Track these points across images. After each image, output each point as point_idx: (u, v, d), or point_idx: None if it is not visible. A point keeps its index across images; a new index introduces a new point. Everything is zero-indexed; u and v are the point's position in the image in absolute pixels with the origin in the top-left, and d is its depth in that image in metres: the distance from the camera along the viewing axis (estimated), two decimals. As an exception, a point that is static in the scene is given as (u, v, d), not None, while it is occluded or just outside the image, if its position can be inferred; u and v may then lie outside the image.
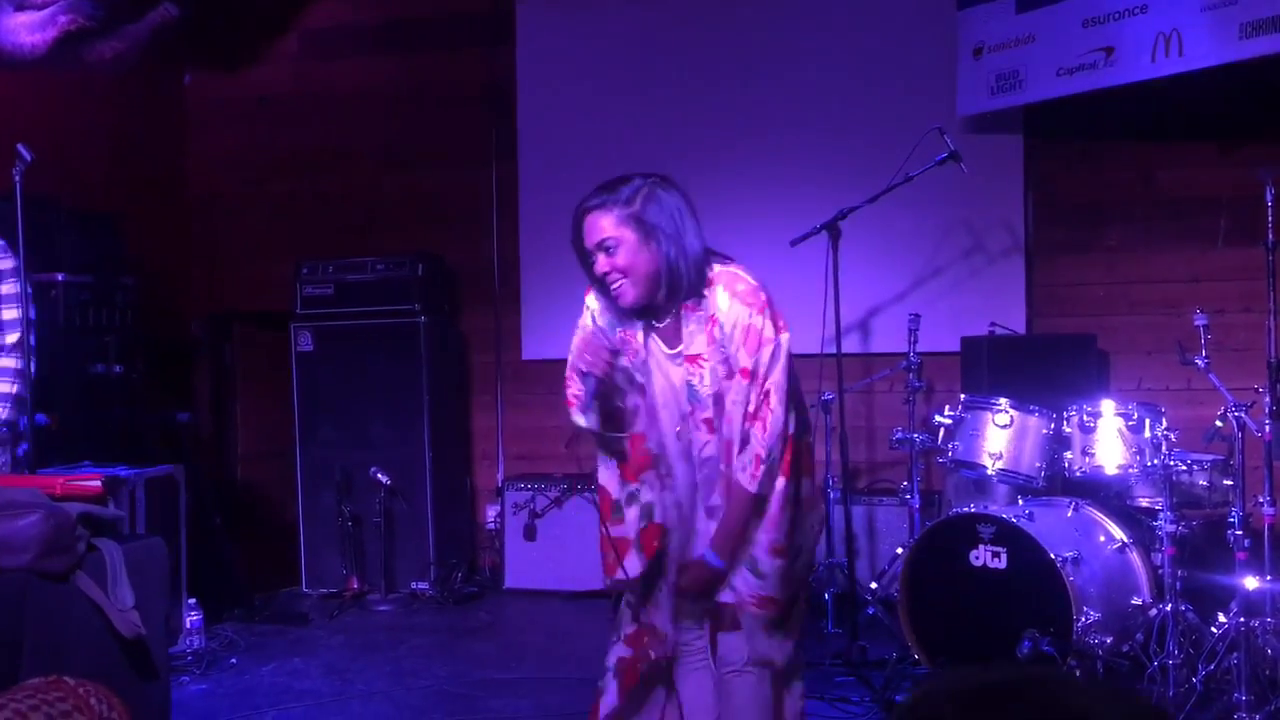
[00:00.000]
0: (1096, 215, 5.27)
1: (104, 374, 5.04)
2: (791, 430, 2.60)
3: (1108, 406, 3.94)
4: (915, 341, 4.56)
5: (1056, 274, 5.32)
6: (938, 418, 4.24)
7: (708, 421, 2.62)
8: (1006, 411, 4.09)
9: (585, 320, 2.72)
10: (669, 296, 2.57)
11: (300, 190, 6.20)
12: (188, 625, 4.54)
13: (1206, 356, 3.73)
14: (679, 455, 2.69)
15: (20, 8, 4.77)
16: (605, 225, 2.53)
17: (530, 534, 5.53)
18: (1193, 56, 4.22)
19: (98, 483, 2.46)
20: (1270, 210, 3.55)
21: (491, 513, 5.88)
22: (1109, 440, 3.92)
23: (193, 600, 4.59)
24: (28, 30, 4.75)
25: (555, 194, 5.93)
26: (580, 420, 2.67)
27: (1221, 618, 3.70)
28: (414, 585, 5.51)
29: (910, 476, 4.50)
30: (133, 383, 5.17)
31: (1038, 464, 4.07)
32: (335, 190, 6.17)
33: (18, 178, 2.96)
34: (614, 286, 2.55)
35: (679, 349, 2.62)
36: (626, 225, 2.53)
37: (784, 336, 2.57)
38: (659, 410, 2.68)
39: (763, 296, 2.56)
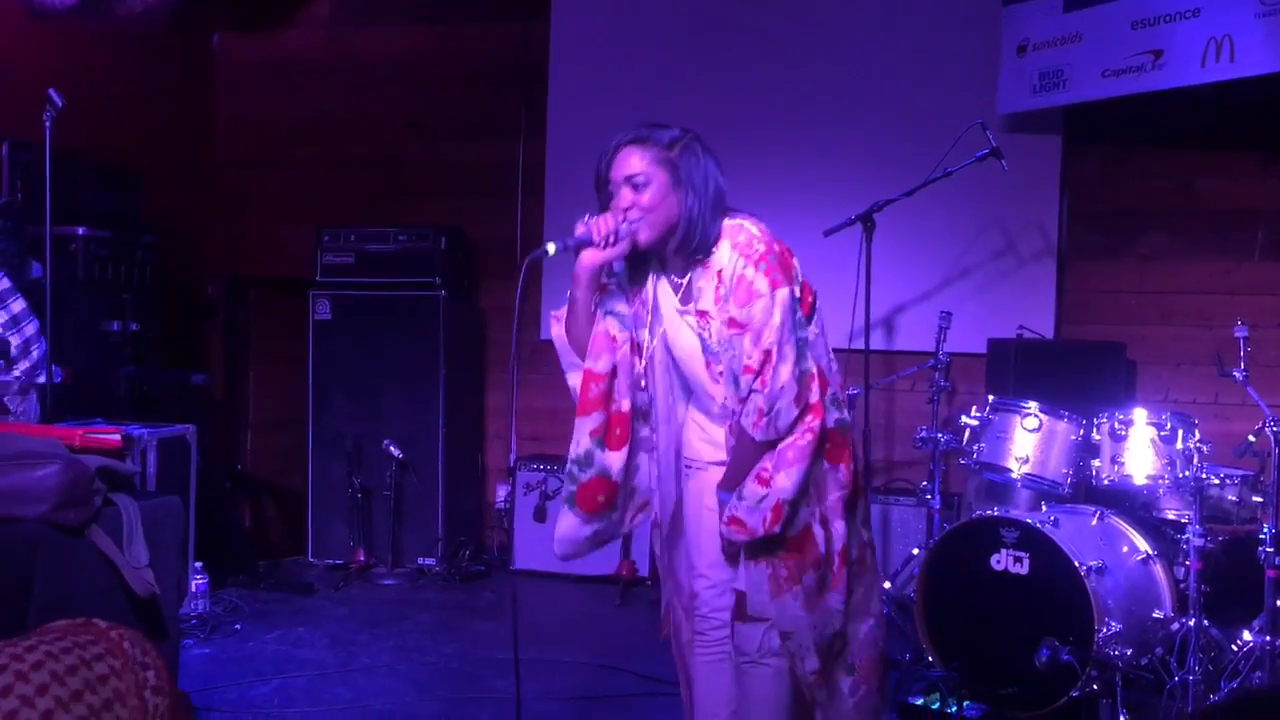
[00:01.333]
0: (1132, 222, 5.19)
1: (120, 331, 4.98)
2: (815, 397, 2.53)
3: (1140, 415, 3.86)
4: (944, 340, 4.49)
5: (1088, 280, 5.24)
6: (964, 418, 4.17)
7: (723, 375, 2.57)
8: (1036, 415, 4.02)
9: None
10: (678, 249, 2.54)
11: (325, 157, 6.13)
12: (193, 588, 4.50)
13: (1245, 369, 3.66)
14: (665, 416, 2.68)
15: (53, -43, 4.71)
16: (640, 161, 2.50)
17: (540, 515, 5.47)
18: (1244, 63, 4.13)
19: (117, 437, 2.40)
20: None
21: (502, 492, 5.82)
22: (1139, 449, 3.85)
23: (199, 564, 4.55)
24: (59, -19, 4.70)
25: (582, 173, 5.81)
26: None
27: (1246, 635, 3.65)
28: (421, 561, 5.46)
29: (932, 477, 4.43)
30: (148, 341, 5.12)
31: (1065, 470, 4.00)
32: (361, 158, 6.10)
33: (48, 123, 2.89)
34: (633, 223, 2.50)
35: (690, 304, 2.58)
36: (662, 167, 2.50)
37: (781, 292, 2.48)
38: (655, 366, 2.64)
39: (760, 248, 2.50)
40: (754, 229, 2.54)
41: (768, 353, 2.47)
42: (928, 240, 5.24)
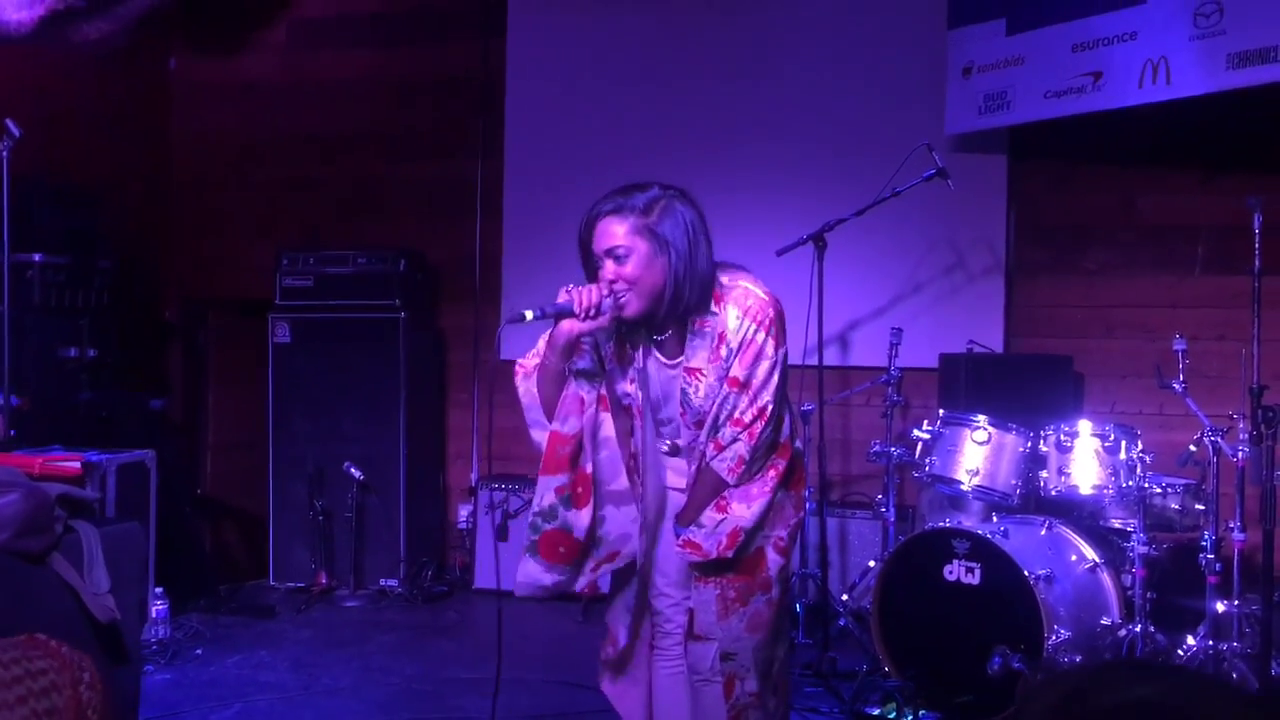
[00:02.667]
0: (1077, 238, 5.31)
1: (77, 357, 4.98)
2: (785, 437, 2.65)
3: (1084, 427, 3.97)
4: (896, 356, 4.58)
5: (1035, 295, 5.36)
6: (916, 432, 4.27)
7: (698, 423, 2.65)
8: (984, 429, 4.11)
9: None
10: (669, 312, 2.57)
11: (284, 177, 6.15)
12: (153, 614, 4.50)
13: (1184, 381, 3.77)
14: (653, 466, 2.73)
15: (8, -17, 4.71)
16: (619, 232, 2.50)
17: (503, 534, 5.50)
18: (1180, 85, 4.26)
19: (77, 464, 2.42)
20: (1257, 237, 3.59)
21: (464, 512, 5.84)
22: (1085, 460, 3.95)
23: (159, 589, 4.54)
24: (15, 7, 4.71)
25: (540, 191, 5.98)
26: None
27: (1190, 640, 3.75)
28: (383, 582, 5.47)
29: (886, 490, 4.51)
30: (106, 366, 5.12)
31: (1013, 481, 4.09)
32: (319, 180, 6.13)
33: (4, 154, 2.90)
34: (619, 297, 2.51)
35: (679, 360, 2.64)
36: (640, 235, 2.50)
37: (783, 352, 2.60)
38: (638, 419, 2.69)
39: (771, 313, 2.58)
40: (759, 292, 2.59)
41: (762, 410, 2.57)
42: (880, 258, 5.33)
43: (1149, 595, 3.73)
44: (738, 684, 2.68)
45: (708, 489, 2.63)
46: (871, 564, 4.56)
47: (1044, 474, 4.03)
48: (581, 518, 2.64)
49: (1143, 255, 5.20)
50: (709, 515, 2.62)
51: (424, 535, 5.69)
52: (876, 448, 4.48)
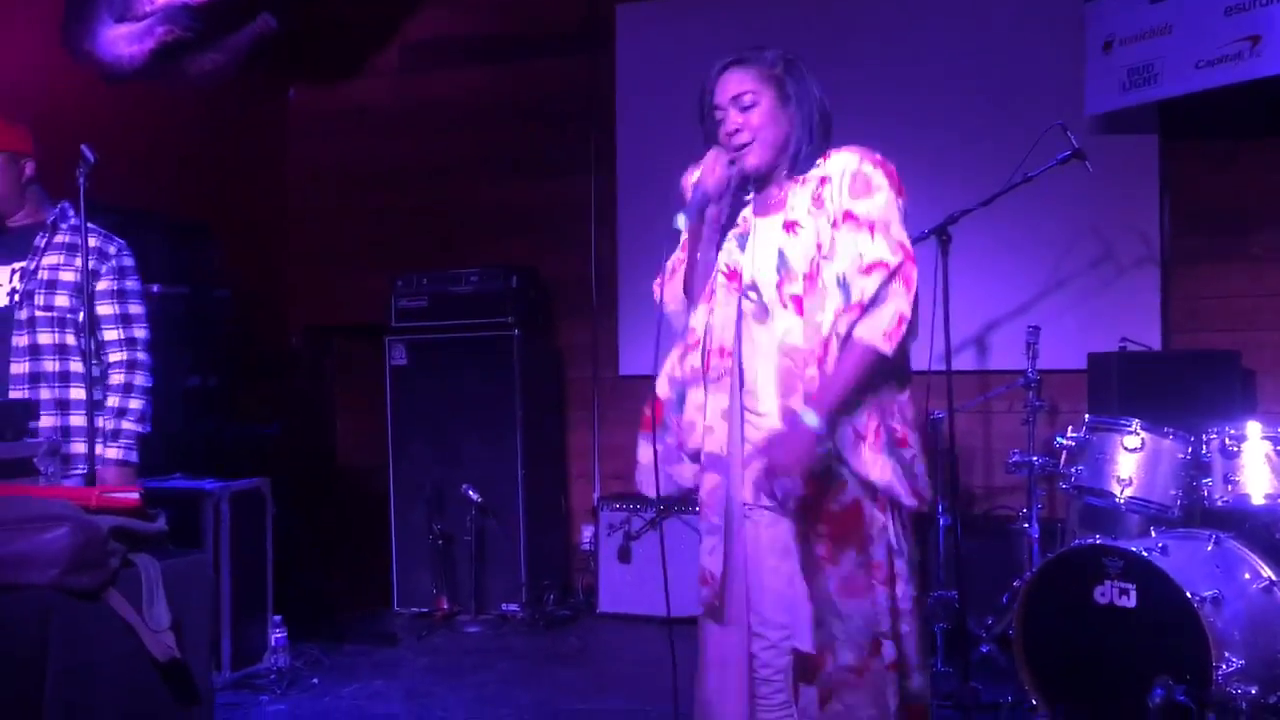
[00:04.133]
0: (1241, 221, 4.83)
1: (199, 386, 5.01)
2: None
3: (1254, 429, 3.54)
4: (1035, 356, 4.21)
5: (1196, 285, 4.90)
6: (1060, 440, 3.89)
7: (796, 300, 2.36)
8: (1138, 434, 3.72)
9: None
10: (788, 170, 2.43)
11: (397, 203, 6.13)
12: (272, 643, 4.45)
13: (1370, 373, 3.31)
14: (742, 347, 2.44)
15: (120, 19, 4.80)
16: (746, 80, 2.43)
17: (625, 556, 5.31)
18: (1351, 42, 3.80)
19: (135, 494, 2.33)
20: None
21: (587, 533, 5.68)
22: (1255, 466, 3.52)
23: (278, 617, 4.50)
24: (126, 42, 4.78)
25: (653, 205, 5.75)
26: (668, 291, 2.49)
27: (1388, 670, 3.28)
28: (504, 607, 5.34)
29: (1029, 503, 4.14)
30: (227, 395, 5.14)
31: (1173, 492, 3.68)
32: (432, 202, 6.08)
33: (81, 179, 2.87)
34: (741, 146, 2.41)
35: (779, 215, 2.43)
36: (768, 85, 2.43)
37: (902, 200, 2.38)
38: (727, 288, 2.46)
39: (876, 155, 2.40)
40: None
41: (900, 245, 2.32)
42: (1017, 251, 4.97)
43: (1338, 618, 3.28)
44: (829, 657, 2.36)
45: (855, 365, 2.29)
46: (1015, 584, 4.18)
47: (1208, 483, 3.61)
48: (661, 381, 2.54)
49: (1317, 236, 4.70)
50: (913, 456, 2.35)
51: (546, 558, 5.54)
52: (1016, 457, 4.11)
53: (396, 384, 5.58)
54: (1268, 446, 3.49)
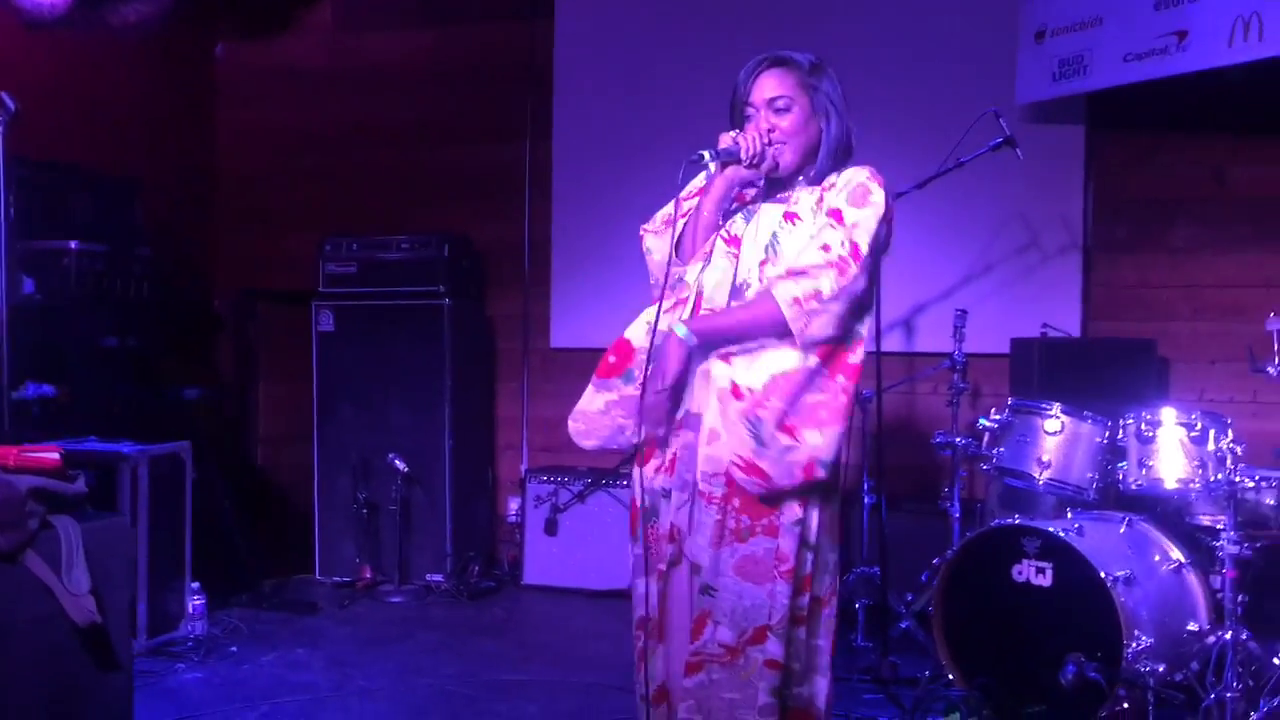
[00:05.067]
0: (1162, 213, 4.95)
1: (117, 347, 4.88)
2: (859, 358, 2.45)
3: (1168, 415, 3.64)
4: (961, 340, 4.28)
5: (1116, 274, 5.01)
6: (983, 421, 3.97)
7: (771, 283, 2.43)
8: (1058, 417, 3.80)
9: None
10: (814, 176, 2.50)
11: (330, 164, 6.01)
12: (190, 610, 4.39)
13: (1279, 365, 3.43)
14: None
15: (42, -35, 4.62)
16: (783, 84, 2.50)
17: (551, 528, 5.31)
18: (1275, 42, 3.89)
19: (55, 455, 2.27)
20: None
21: (513, 505, 5.67)
22: (1169, 452, 3.62)
23: (196, 584, 4.43)
24: (48, -11, 4.61)
25: (590, 174, 5.76)
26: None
27: (1287, 649, 3.41)
28: (429, 577, 5.31)
29: (952, 483, 4.22)
30: (147, 357, 5.02)
31: (1090, 475, 3.78)
32: (366, 164, 5.98)
33: (0, 127, 2.77)
34: (774, 146, 2.48)
35: (782, 205, 2.52)
36: (804, 91, 2.51)
37: (888, 220, 2.46)
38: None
39: (881, 179, 2.49)
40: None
41: (856, 248, 2.37)
42: (947, 237, 5.03)
43: (1240, 599, 3.39)
44: (709, 626, 2.39)
45: (747, 312, 2.40)
46: (935, 562, 4.27)
47: (1123, 467, 3.71)
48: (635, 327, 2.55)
49: (1235, 230, 4.83)
50: (774, 435, 2.30)
51: (471, 529, 5.52)
52: (940, 438, 4.18)
53: (323, 350, 5.50)
54: (1181, 433, 3.59)
